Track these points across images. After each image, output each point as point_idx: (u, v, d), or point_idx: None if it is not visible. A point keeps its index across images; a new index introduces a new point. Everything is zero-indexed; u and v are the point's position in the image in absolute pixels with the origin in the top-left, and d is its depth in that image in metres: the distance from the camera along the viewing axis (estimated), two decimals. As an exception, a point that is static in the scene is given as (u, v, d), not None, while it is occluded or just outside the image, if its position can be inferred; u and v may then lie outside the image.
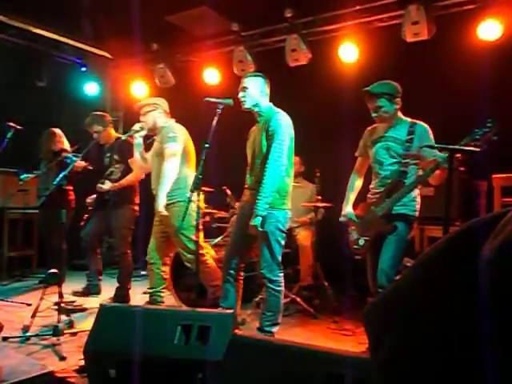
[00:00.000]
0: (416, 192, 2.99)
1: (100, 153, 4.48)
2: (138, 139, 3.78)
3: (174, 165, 3.53)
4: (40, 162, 5.03)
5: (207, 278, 3.55)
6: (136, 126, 3.76)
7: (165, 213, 3.47)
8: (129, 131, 3.92)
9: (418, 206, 3.00)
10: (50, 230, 4.85)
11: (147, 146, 3.95)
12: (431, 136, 2.95)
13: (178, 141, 3.58)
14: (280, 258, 3.16)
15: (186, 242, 3.54)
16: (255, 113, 3.27)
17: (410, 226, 2.98)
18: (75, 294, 4.52)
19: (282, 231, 3.11)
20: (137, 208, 4.38)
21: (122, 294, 4.24)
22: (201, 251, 3.52)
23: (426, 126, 2.99)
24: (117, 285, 4.34)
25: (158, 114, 3.78)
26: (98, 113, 4.53)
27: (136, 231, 4.79)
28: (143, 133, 3.77)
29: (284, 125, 3.10)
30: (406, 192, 2.89)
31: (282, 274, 3.18)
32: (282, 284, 3.19)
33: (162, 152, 3.60)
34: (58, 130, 5.05)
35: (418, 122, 3.02)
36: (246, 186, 3.30)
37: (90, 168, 4.55)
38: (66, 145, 5.02)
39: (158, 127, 3.77)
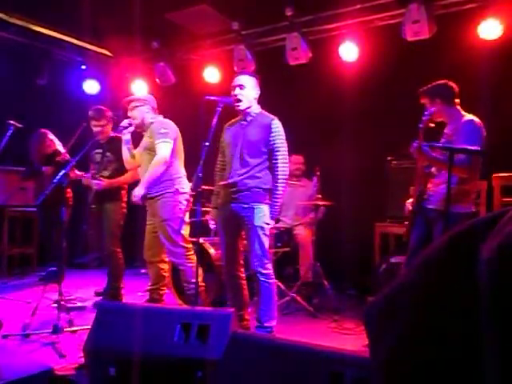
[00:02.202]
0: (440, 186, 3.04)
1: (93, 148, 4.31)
2: (126, 135, 3.78)
3: (163, 161, 3.53)
4: (33, 165, 4.96)
5: (187, 273, 3.54)
6: (124, 122, 3.76)
7: (138, 202, 3.53)
8: (117, 128, 3.88)
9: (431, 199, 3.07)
10: (51, 228, 4.85)
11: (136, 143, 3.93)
12: (469, 131, 2.92)
13: (170, 136, 3.58)
14: (268, 251, 3.28)
15: (171, 233, 3.52)
16: (245, 113, 3.29)
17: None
18: (98, 294, 4.49)
19: (268, 224, 3.26)
20: (124, 205, 4.30)
21: (113, 294, 4.19)
22: (185, 245, 3.56)
23: (471, 120, 2.98)
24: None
25: (146, 110, 3.76)
26: (99, 107, 4.39)
27: (136, 229, 4.79)
28: (131, 129, 3.77)
29: (283, 134, 3.26)
30: None
31: (271, 267, 3.28)
32: (273, 276, 3.28)
33: (152, 147, 3.60)
34: (47, 131, 4.90)
35: (467, 117, 3.02)
36: (224, 183, 3.30)
37: (85, 176, 4.45)
38: (58, 144, 4.90)
39: (146, 123, 3.76)
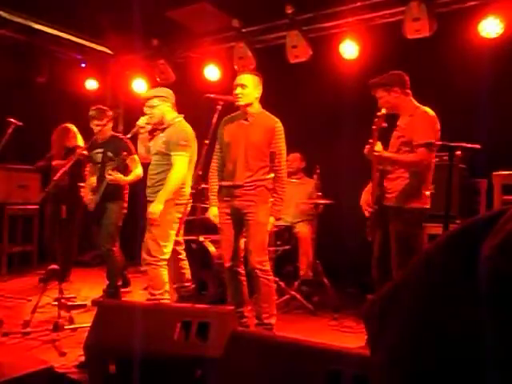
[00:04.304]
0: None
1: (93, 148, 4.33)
2: (143, 134, 3.63)
3: (181, 175, 3.37)
4: (49, 160, 4.97)
5: (152, 282, 3.42)
6: (141, 121, 3.56)
7: (156, 216, 3.32)
8: (134, 127, 3.67)
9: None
10: (54, 225, 4.86)
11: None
12: (425, 123, 2.92)
13: (188, 150, 3.43)
14: (267, 249, 3.33)
15: (149, 240, 3.39)
16: (246, 111, 3.30)
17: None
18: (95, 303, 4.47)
19: (270, 223, 3.32)
20: (125, 205, 4.32)
21: (111, 292, 4.20)
22: (157, 256, 3.37)
23: (425, 112, 2.96)
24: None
25: (166, 108, 3.54)
26: (100, 106, 4.39)
27: (135, 227, 4.78)
28: (149, 127, 3.59)
29: (284, 136, 3.31)
30: None
31: (268, 264, 3.31)
32: (271, 273, 3.31)
33: (165, 152, 3.44)
34: (72, 126, 4.94)
35: (422, 108, 3.00)
36: (228, 184, 3.31)
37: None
38: (81, 141, 4.92)
39: (165, 122, 3.54)
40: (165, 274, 3.39)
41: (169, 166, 3.40)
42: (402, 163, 2.98)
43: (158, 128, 3.65)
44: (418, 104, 3.04)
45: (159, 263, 3.35)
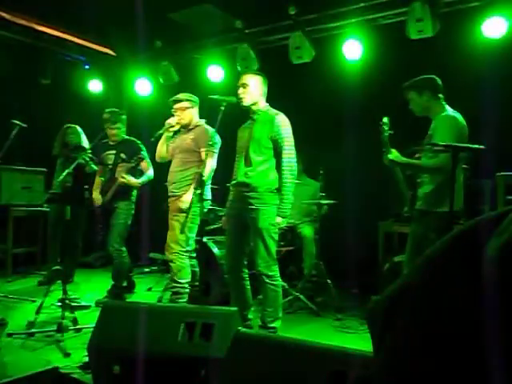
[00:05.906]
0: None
1: (104, 149, 4.43)
2: (170, 133, 3.82)
3: (211, 170, 3.62)
4: (55, 161, 4.99)
5: (174, 272, 3.58)
6: (172, 121, 3.77)
7: (187, 205, 3.38)
8: (163, 126, 3.80)
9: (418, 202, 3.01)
10: (56, 226, 4.87)
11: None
12: (443, 126, 2.84)
13: (217, 147, 3.66)
14: (275, 253, 3.25)
15: (177, 230, 3.50)
16: (252, 111, 3.31)
17: None
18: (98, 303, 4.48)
19: (274, 225, 3.21)
20: (133, 206, 4.35)
21: (116, 292, 4.21)
22: (183, 245, 3.55)
23: (444, 116, 2.89)
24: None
25: (195, 112, 3.82)
26: (114, 110, 4.50)
27: (140, 229, 4.79)
28: (177, 127, 3.82)
29: (289, 128, 3.24)
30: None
31: (277, 268, 3.24)
32: (279, 278, 3.26)
33: (195, 149, 3.66)
34: (74, 125, 4.96)
35: (444, 112, 2.92)
36: (236, 181, 3.30)
37: (101, 178, 4.46)
38: (83, 140, 4.91)
39: (192, 124, 3.79)
40: (188, 265, 3.60)
41: (197, 163, 3.62)
42: (422, 169, 2.95)
43: (183, 129, 3.84)
44: (448, 108, 2.99)
45: (185, 254, 3.56)
